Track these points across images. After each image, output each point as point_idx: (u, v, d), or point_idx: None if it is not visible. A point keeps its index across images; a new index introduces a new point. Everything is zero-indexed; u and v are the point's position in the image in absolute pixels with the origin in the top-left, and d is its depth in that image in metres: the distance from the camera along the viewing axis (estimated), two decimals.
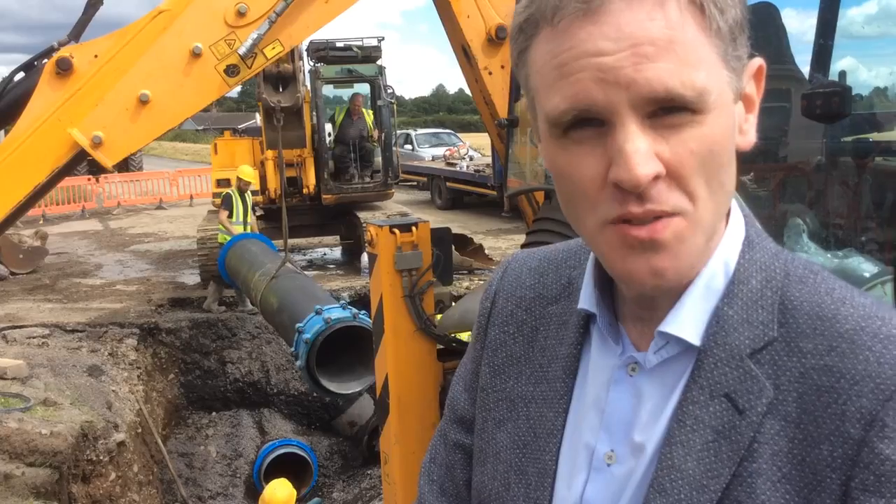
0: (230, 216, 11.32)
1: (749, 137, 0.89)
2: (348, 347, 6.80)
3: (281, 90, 11.45)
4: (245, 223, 11.56)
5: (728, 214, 0.92)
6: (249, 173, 11.68)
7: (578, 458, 0.97)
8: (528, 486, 1.00)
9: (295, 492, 6.68)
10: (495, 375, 1.10)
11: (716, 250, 0.90)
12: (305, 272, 12.05)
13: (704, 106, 0.79)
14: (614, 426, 0.94)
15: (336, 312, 6.85)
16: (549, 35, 0.82)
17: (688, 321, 0.89)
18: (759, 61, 0.89)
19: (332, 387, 6.75)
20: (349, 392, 7.12)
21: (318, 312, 6.83)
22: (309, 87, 13.13)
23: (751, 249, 0.92)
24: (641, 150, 0.78)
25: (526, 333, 1.09)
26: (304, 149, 13.12)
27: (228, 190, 11.58)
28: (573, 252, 1.10)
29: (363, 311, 7.17)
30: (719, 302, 0.89)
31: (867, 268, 2.32)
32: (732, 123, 0.85)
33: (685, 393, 0.89)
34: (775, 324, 0.87)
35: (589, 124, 0.81)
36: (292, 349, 7.07)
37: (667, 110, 0.78)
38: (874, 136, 2.85)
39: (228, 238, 11.03)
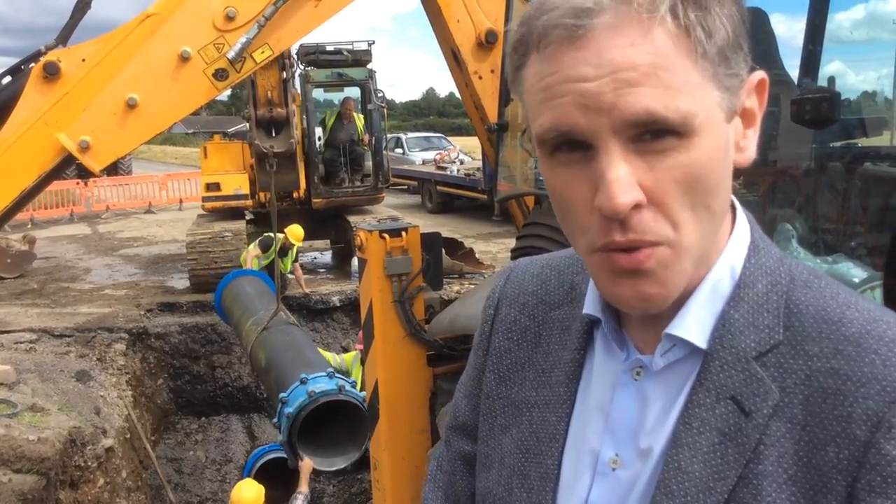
0: (260, 254, 10.94)
1: (747, 153, 0.89)
2: (336, 415, 6.68)
3: (274, 135, 11.26)
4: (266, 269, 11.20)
5: (734, 219, 0.94)
6: (298, 236, 11.21)
7: (582, 462, 0.97)
8: (531, 490, 1.01)
9: (263, 490, 6.59)
10: (501, 383, 1.11)
11: (722, 255, 0.91)
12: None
13: (690, 129, 0.79)
14: (619, 430, 0.95)
15: (322, 384, 6.70)
16: (537, 58, 0.83)
17: (694, 324, 0.90)
18: (759, 75, 0.88)
19: (315, 463, 6.63)
20: (332, 469, 6.98)
21: (303, 382, 6.70)
22: (299, 91, 13.09)
23: (756, 254, 0.93)
24: (621, 179, 0.79)
25: (529, 339, 1.09)
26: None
27: (278, 236, 10.79)
28: (575, 258, 1.11)
29: (351, 380, 7.06)
30: (725, 305, 0.90)
31: (856, 273, 2.32)
32: (724, 144, 0.84)
33: (691, 395, 0.89)
34: (781, 327, 0.88)
35: (578, 148, 0.82)
36: (275, 420, 6.92)
37: (653, 135, 0.79)
38: (863, 142, 2.86)
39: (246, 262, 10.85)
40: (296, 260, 11.53)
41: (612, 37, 0.77)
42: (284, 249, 11.00)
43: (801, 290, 0.90)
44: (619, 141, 0.79)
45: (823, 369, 0.84)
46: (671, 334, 0.90)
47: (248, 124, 11.63)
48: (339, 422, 6.77)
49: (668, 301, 0.86)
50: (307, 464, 6.57)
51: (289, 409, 6.55)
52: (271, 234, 10.75)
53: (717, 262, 0.91)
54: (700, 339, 0.90)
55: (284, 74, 11.23)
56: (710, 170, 0.82)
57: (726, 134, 0.85)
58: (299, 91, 13.11)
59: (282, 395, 6.78)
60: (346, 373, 9.46)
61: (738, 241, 0.93)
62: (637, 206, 0.79)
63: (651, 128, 0.78)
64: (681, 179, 0.80)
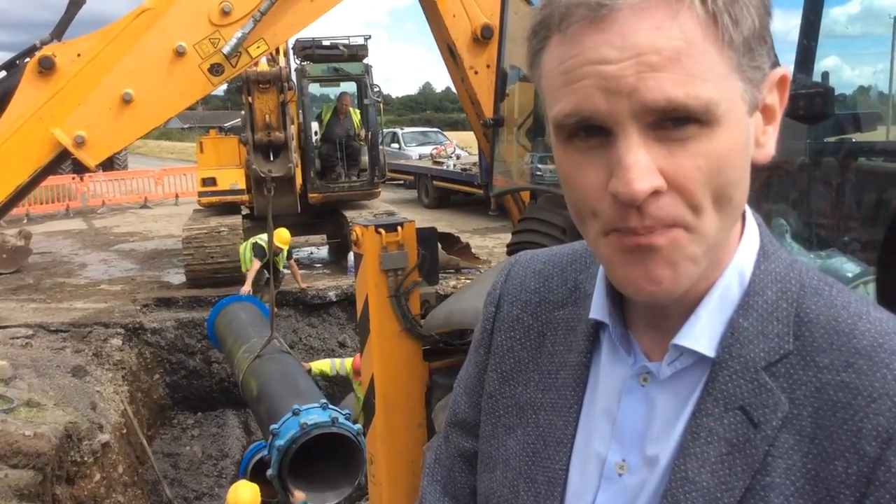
0: (259, 265, 10.60)
1: (766, 150, 0.87)
2: (329, 447, 6.53)
3: (272, 159, 11.05)
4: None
5: (743, 224, 0.92)
6: (284, 240, 10.85)
7: (589, 467, 0.97)
8: (538, 494, 1.00)
9: (258, 490, 6.52)
10: (504, 382, 1.09)
11: (731, 261, 0.89)
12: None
13: (712, 118, 0.77)
14: (626, 436, 0.94)
15: (314, 415, 6.53)
16: (558, 41, 0.81)
17: (702, 333, 0.89)
18: (781, 71, 0.86)
19: (307, 498, 6.46)
20: None
21: (295, 413, 6.53)
22: (295, 85, 13.07)
23: (766, 260, 0.91)
24: (640, 164, 0.77)
25: (533, 339, 1.08)
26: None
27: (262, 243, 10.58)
28: (578, 255, 1.09)
29: (346, 411, 6.85)
30: (734, 313, 0.89)
31: (850, 268, 2.33)
32: (745, 137, 0.83)
33: (699, 405, 0.88)
34: (791, 336, 0.86)
35: (595, 133, 0.80)
36: (265, 453, 6.73)
37: (675, 122, 0.77)
38: (857, 137, 2.86)
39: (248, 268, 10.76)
40: (290, 257, 11.44)
41: (638, 19, 0.76)
42: (274, 252, 10.65)
43: (812, 299, 0.88)
44: (639, 126, 0.77)
45: (834, 382, 0.83)
46: (677, 345, 0.89)
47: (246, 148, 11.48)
48: (332, 455, 6.63)
49: (678, 289, 0.83)
50: (299, 496, 6.48)
51: (280, 442, 6.38)
52: (260, 241, 10.64)
53: (727, 267, 0.89)
54: (708, 347, 0.88)
55: (283, 97, 11.12)
56: (731, 161, 0.80)
57: (748, 127, 0.83)
58: (295, 86, 13.08)
59: (272, 426, 6.61)
60: (346, 379, 9.36)
61: (747, 246, 0.91)
62: (655, 193, 0.78)
63: (672, 115, 0.76)
64: (703, 168, 0.78)
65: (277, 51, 11.86)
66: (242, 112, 11.44)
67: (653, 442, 0.91)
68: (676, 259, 0.81)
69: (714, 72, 0.77)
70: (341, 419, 6.59)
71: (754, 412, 0.85)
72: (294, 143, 11.53)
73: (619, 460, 0.94)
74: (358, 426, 6.50)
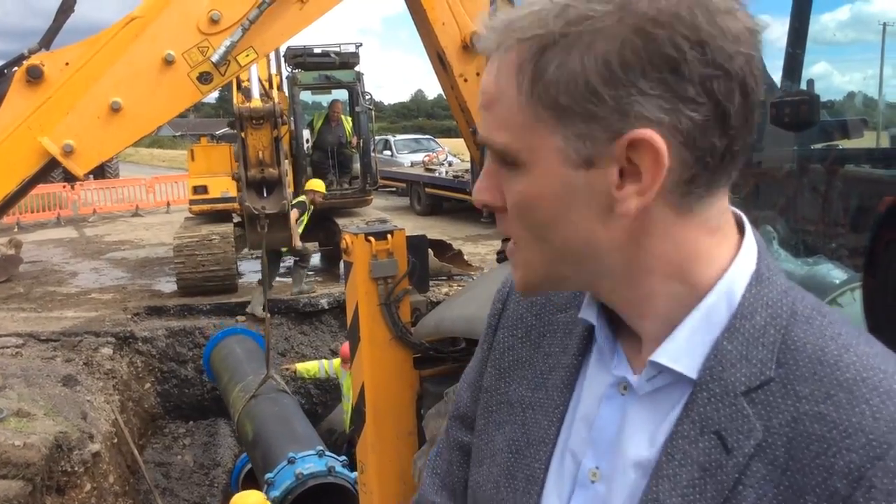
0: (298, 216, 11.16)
1: (625, 206, 0.83)
2: (326, 493, 6.42)
3: (265, 195, 11.14)
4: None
5: (739, 246, 0.91)
6: (322, 185, 11.75)
7: (566, 469, 0.98)
8: (516, 491, 1.01)
9: (265, 499, 6.48)
10: (500, 378, 1.11)
11: (719, 282, 0.88)
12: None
13: (514, 161, 0.86)
14: (601, 443, 0.94)
15: (310, 464, 6.42)
16: None
17: (683, 353, 0.88)
18: (635, 133, 0.80)
19: None
20: None
21: (290, 462, 6.42)
22: (287, 93, 13.06)
23: (759, 284, 0.89)
24: (480, 181, 0.93)
25: (533, 339, 1.10)
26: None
27: (304, 199, 11.50)
28: None
29: (342, 458, 6.70)
30: (720, 335, 0.87)
31: (837, 274, 2.33)
32: (563, 187, 0.84)
33: (677, 426, 0.87)
34: (773, 363, 0.85)
35: None
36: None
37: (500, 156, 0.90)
38: (844, 144, 2.87)
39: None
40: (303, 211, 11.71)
41: (492, 62, 0.87)
42: (312, 202, 11.55)
43: (802, 327, 0.87)
44: (490, 153, 0.90)
45: (811, 413, 0.81)
46: (655, 362, 0.88)
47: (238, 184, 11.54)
48: (328, 498, 6.50)
49: (527, 285, 0.96)
50: None
51: (275, 493, 6.26)
52: (304, 200, 11.33)
53: (714, 288, 0.88)
54: (690, 368, 0.87)
55: (276, 133, 11.15)
56: (539, 205, 0.87)
57: (572, 179, 0.84)
58: (287, 93, 13.09)
59: (268, 475, 6.50)
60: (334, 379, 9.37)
61: (740, 268, 0.89)
62: (496, 207, 0.92)
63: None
64: (513, 204, 0.89)
65: (271, 84, 11.92)
66: (232, 126, 11.44)
67: (626, 455, 0.91)
68: (517, 264, 0.95)
69: (513, 120, 0.85)
70: (338, 468, 6.48)
71: (729, 437, 0.84)
72: (288, 179, 11.58)
73: (593, 467, 0.94)
74: (354, 474, 6.45)
